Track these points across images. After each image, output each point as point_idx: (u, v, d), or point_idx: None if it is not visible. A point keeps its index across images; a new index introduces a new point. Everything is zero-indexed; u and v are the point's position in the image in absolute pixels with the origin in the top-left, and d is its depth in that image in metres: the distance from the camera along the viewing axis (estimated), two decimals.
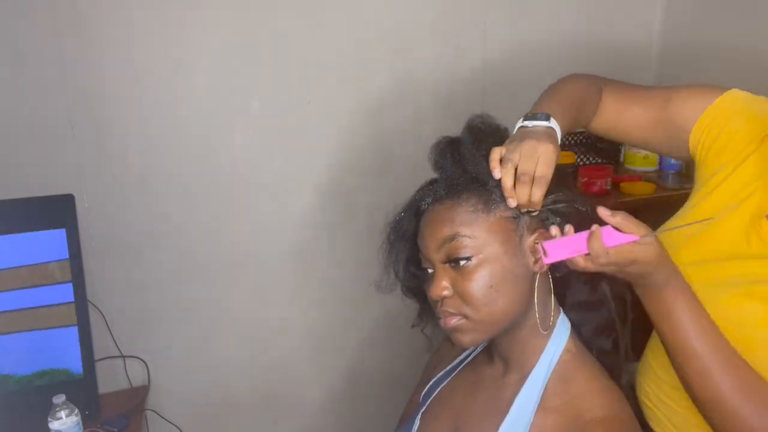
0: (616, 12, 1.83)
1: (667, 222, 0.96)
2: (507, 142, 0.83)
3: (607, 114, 1.01)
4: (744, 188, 0.87)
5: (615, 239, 0.74)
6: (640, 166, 1.89)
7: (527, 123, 0.86)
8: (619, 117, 1.00)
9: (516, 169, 0.79)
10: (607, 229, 0.74)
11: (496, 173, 0.80)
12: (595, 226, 0.74)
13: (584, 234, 0.75)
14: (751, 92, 0.92)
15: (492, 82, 1.73)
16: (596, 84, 1.02)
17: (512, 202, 0.79)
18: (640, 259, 0.75)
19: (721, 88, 0.93)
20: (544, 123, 0.85)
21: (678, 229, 0.89)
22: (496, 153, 0.81)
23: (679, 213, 0.96)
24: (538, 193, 0.78)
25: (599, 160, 1.88)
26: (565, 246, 0.76)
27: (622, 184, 1.75)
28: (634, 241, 0.73)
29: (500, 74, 1.74)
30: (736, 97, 0.91)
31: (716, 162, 0.91)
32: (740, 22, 1.63)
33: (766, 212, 0.84)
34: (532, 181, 0.78)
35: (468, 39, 1.69)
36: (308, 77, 1.56)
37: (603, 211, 0.74)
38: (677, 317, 0.79)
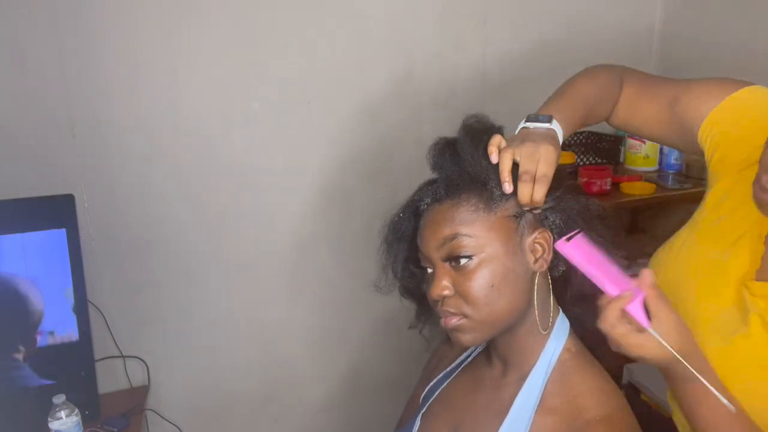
0: (616, 11, 1.83)
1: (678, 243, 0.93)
2: (508, 140, 0.83)
3: (623, 111, 0.99)
4: (735, 212, 0.84)
5: (633, 310, 0.70)
6: (640, 166, 1.89)
7: (529, 124, 0.86)
8: (632, 114, 0.98)
9: (518, 169, 0.79)
10: (636, 303, 0.70)
11: (494, 157, 0.80)
12: (627, 293, 0.71)
13: (611, 272, 0.73)
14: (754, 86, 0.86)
15: (492, 82, 1.73)
16: (616, 78, 0.99)
17: (507, 187, 0.79)
18: (647, 358, 0.73)
19: (735, 84, 0.86)
20: (546, 125, 0.85)
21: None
22: (496, 139, 0.82)
23: (695, 219, 0.94)
24: (540, 192, 0.78)
25: (599, 160, 1.88)
26: (588, 257, 0.74)
27: (622, 184, 1.75)
28: (643, 329, 0.70)
29: (500, 74, 1.74)
30: (744, 97, 0.85)
31: (718, 170, 0.88)
32: (740, 15, 1.63)
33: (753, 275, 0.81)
34: (534, 180, 0.78)
35: (468, 38, 1.69)
36: (308, 77, 1.56)
37: (647, 277, 0.72)
38: (702, 413, 0.77)
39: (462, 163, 0.82)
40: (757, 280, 0.81)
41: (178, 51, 1.45)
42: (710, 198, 0.90)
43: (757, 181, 0.73)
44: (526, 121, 0.87)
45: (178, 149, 1.51)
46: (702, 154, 0.91)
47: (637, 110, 0.98)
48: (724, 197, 0.88)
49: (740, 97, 0.85)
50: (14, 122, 1.38)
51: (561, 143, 0.85)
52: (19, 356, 1.34)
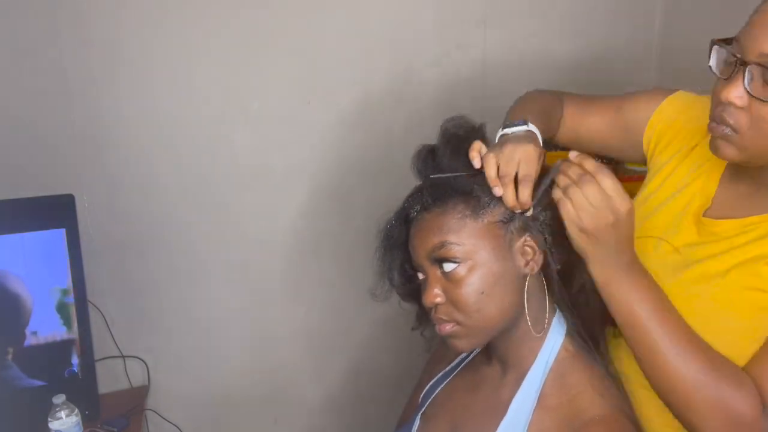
0: (617, 12, 1.83)
1: None
2: (489, 149, 0.84)
3: (569, 124, 1.08)
4: (684, 179, 0.92)
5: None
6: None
7: (506, 131, 0.88)
8: (579, 125, 1.08)
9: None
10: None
11: (476, 162, 0.82)
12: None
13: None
14: None
15: (492, 82, 1.73)
16: (557, 97, 1.09)
17: (498, 191, 0.80)
18: (622, 214, 0.79)
19: (667, 90, 1.02)
20: (523, 127, 0.87)
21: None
22: (477, 144, 0.83)
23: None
24: (525, 192, 0.79)
25: (599, 160, 1.87)
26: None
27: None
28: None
29: (500, 74, 1.74)
30: (681, 96, 1.00)
31: (665, 155, 0.97)
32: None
33: (702, 212, 0.88)
34: (515, 182, 0.79)
35: (468, 39, 1.69)
36: (308, 77, 1.56)
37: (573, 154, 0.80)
38: (645, 308, 0.78)
39: (444, 173, 0.83)
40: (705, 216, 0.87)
41: (178, 51, 1.45)
42: (656, 178, 0.98)
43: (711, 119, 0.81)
44: (503, 128, 0.89)
45: (178, 149, 1.51)
46: (641, 159, 1.04)
47: (585, 119, 1.08)
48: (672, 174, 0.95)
49: (676, 97, 1.00)
50: (14, 122, 1.38)
51: (541, 143, 0.88)
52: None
